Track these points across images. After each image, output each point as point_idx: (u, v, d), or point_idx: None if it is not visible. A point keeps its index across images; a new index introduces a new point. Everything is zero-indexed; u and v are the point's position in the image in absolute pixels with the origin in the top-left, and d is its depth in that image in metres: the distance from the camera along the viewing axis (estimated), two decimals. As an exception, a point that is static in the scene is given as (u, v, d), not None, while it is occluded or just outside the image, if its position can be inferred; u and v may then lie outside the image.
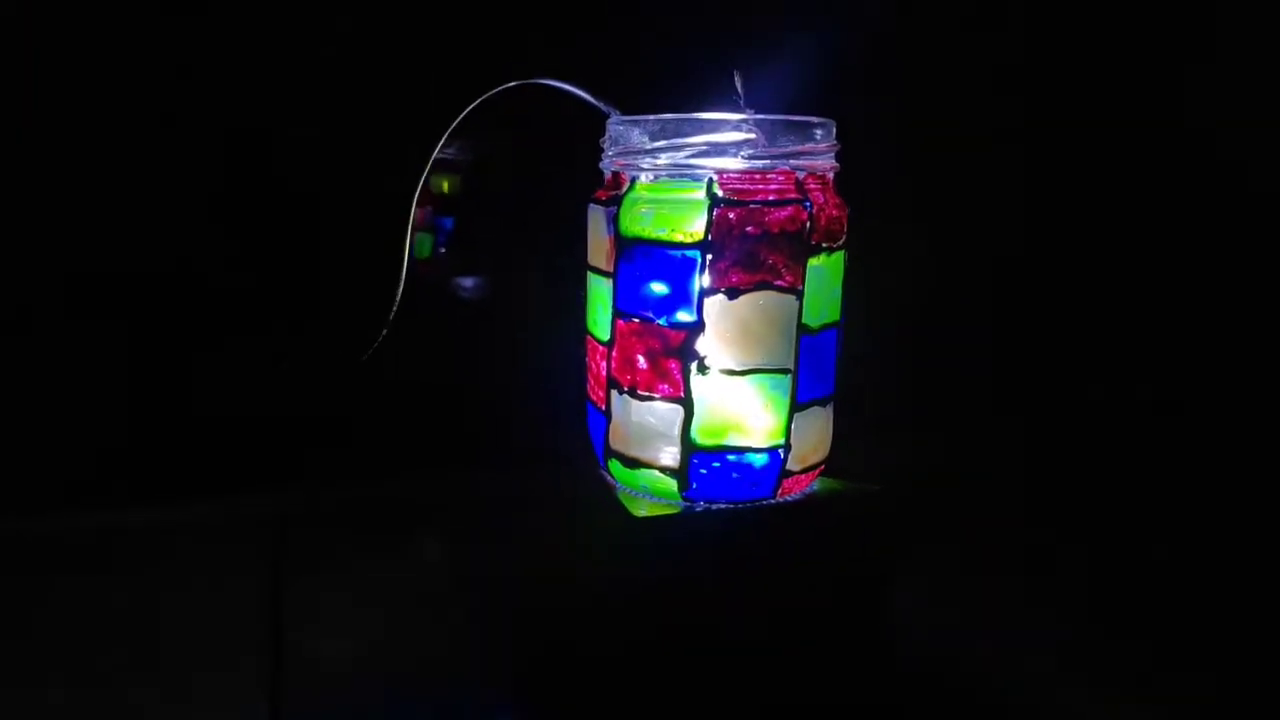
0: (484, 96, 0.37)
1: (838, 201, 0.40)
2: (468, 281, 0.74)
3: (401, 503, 0.64)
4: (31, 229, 0.58)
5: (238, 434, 0.64)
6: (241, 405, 0.64)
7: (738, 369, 0.38)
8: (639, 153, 0.38)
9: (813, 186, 0.38)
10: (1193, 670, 0.47)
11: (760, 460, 0.39)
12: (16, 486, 0.57)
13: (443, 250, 0.87)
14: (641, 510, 0.40)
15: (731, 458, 0.39)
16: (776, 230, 0.37)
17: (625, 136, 0.39)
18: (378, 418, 0.66)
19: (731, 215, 0.37)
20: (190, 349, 0.64)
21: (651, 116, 0.38)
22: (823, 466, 0.42)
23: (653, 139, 0.38)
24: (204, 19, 0.58)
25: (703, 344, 0.38)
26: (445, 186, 0.84)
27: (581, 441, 0.44)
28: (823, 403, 0.41)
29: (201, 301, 0.64)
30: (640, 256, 0.38)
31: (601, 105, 0.40)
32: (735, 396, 0.38)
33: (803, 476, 0.41)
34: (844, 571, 0.42)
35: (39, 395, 0.60)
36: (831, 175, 0.40)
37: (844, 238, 0.40)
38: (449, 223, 0.86)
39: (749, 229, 0.37)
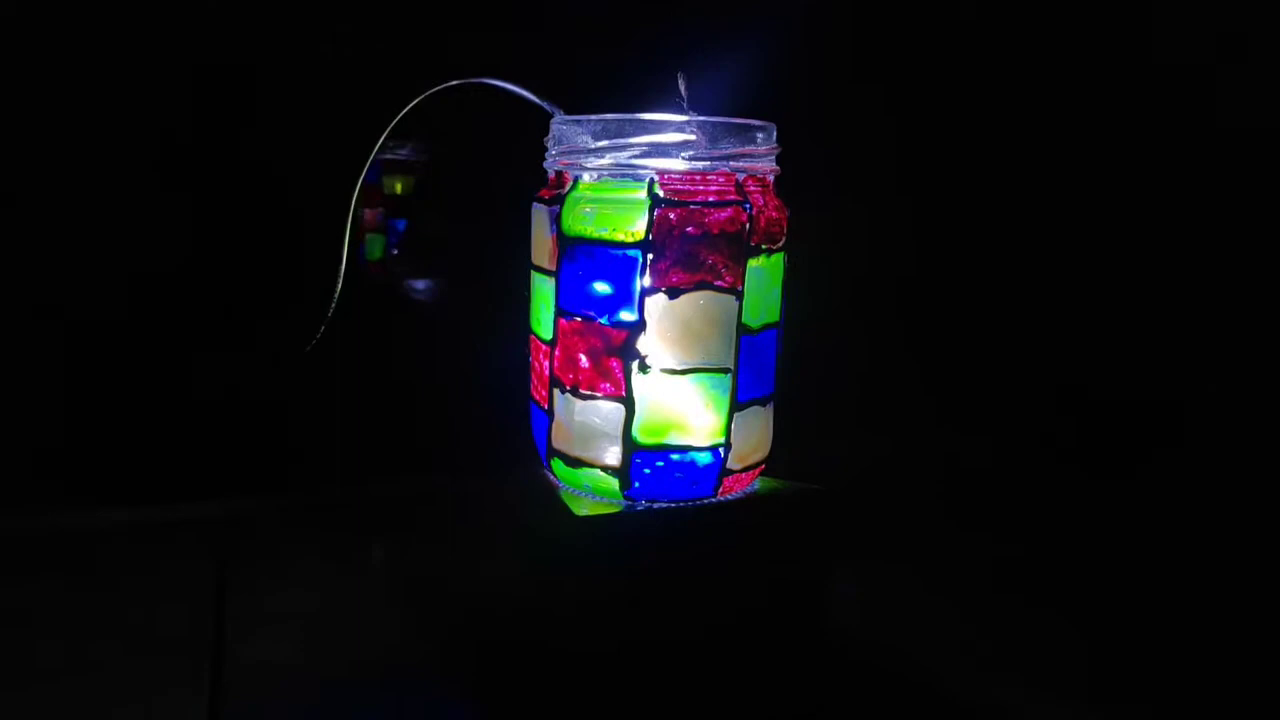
0: (424, 95, 0.37)
1: (778, 204, 0.40)
2: (411, 282, 0.74)
3: (346, 506, 0.63)
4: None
5: (183, 437, 0.63)
6: (187, 409, 0.63)
7: (679, 368, 0.38)
8: (582, 152, 0.38)
9: (753, 188, 0.39)
10: (1120, 668, 0.49)
11: (703, 459, 0.39)
12: None
13: (395, 252, 0.86)
14: (584, 509, 0.40)
15: (675, 457, 0.39)
16: (716, 231, 0.38)
17: (568, 136, 0.39)
18: (321, 421, 0.65)
19: (672, 215, 0.37)
20: (134, 352, 0.64)
21: (594, 117, 0.38)
22: (763, 466, 0.43)
23: (595, 139, 0.38)
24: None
25: (644, 343, 0.38)
26: (398, 188, 0.84)
27: (525, 441, 0.44)
28: (763, 402, 0.41)
29: (147, 303, 0.64)
30: (582, 256, 0.38)
31: (545, 105, 0.40)
32: (676, 395, 0.39)
33: (744, 475, 0.41)
34: (784, 570, 0.43)
35: None
36: (772, 178, 0.40)
37: (784, 239, 0.40)
38: (401, 224, 0.85)
39: (689, 229, 0.37)
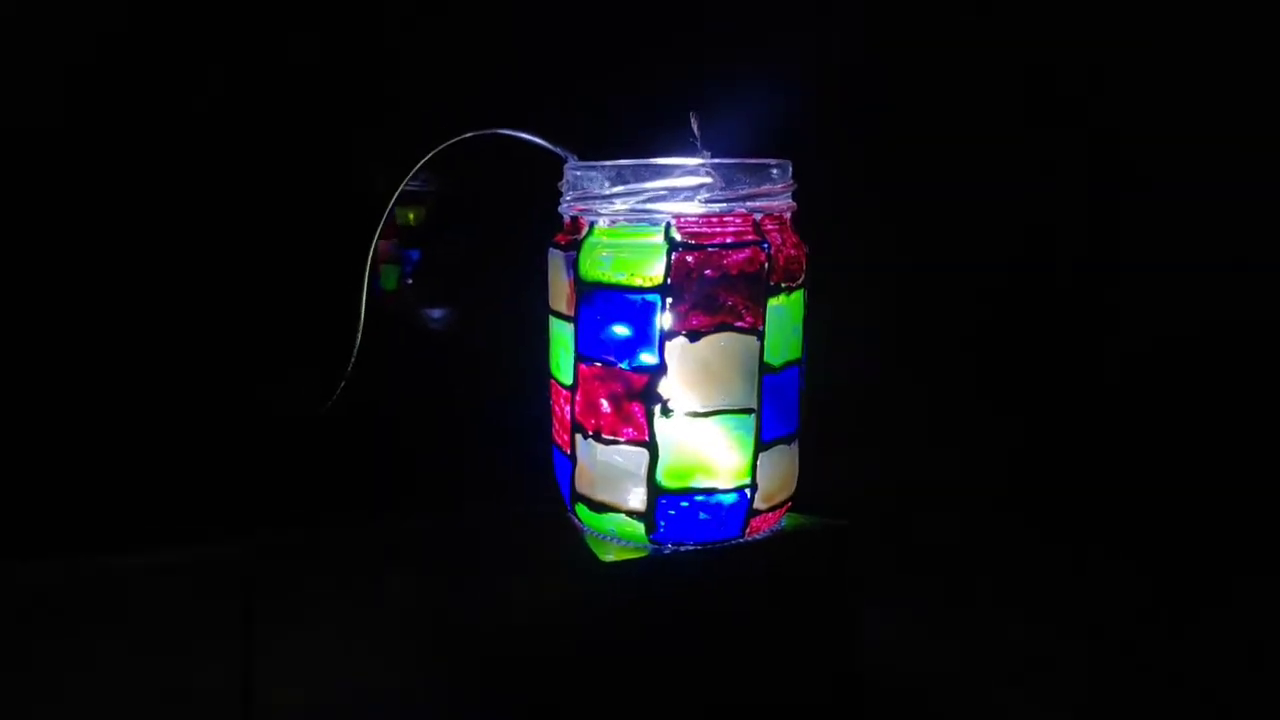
0: (438, 148, 0.37)
1: (795, 241, 0.40)
2: (432, 324, 0.74)
3: (370, 546, 0.63)
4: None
5: (202, 478, 0.63)
6: (205, 450, 0.63)
7: (702, 410, 0.38)
8: (596, 198, 0.38)
9: (770, 227, 0.39)
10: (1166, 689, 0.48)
11: (729, 500, 0.39)
12: None
13: (409, 282, 0.86)
14: (609, 555, 0.39)
15: (700, 499, 0.39)
16: (735, 272, 0.37)
17: (582, 182, 0.39)
18: (342, 460, 0.65)
19: (690, 259, 0.37)
20: (154, 394, 0.64)
21: (608, 162, 0.38)
22: (790, 503, 0.42)
23: (610, 184, 0.38)
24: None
25: (665, 386, 0.38)
26: (410, 218, 0.84)
27: (548, 485, 0.44)
28: (787, 440, 0.41)
29: (166, 346, 0.64)
30: (600, 301, 0.38)
31: (559, 151, 0.40)
32: (700, 438, 0.38)
33: (770, 515, 0.41)
34: (813, 606, 0.42)
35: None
36: (789, 215, 0.40)
37: (802, 276, 0.40)
38: (415, 254, 0.85)
39: (708, 272, 0.37)
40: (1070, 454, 0.76)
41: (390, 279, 0.85)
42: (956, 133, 0.74)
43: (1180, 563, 0.62)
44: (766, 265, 0.38)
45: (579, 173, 0.39)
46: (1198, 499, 0.68)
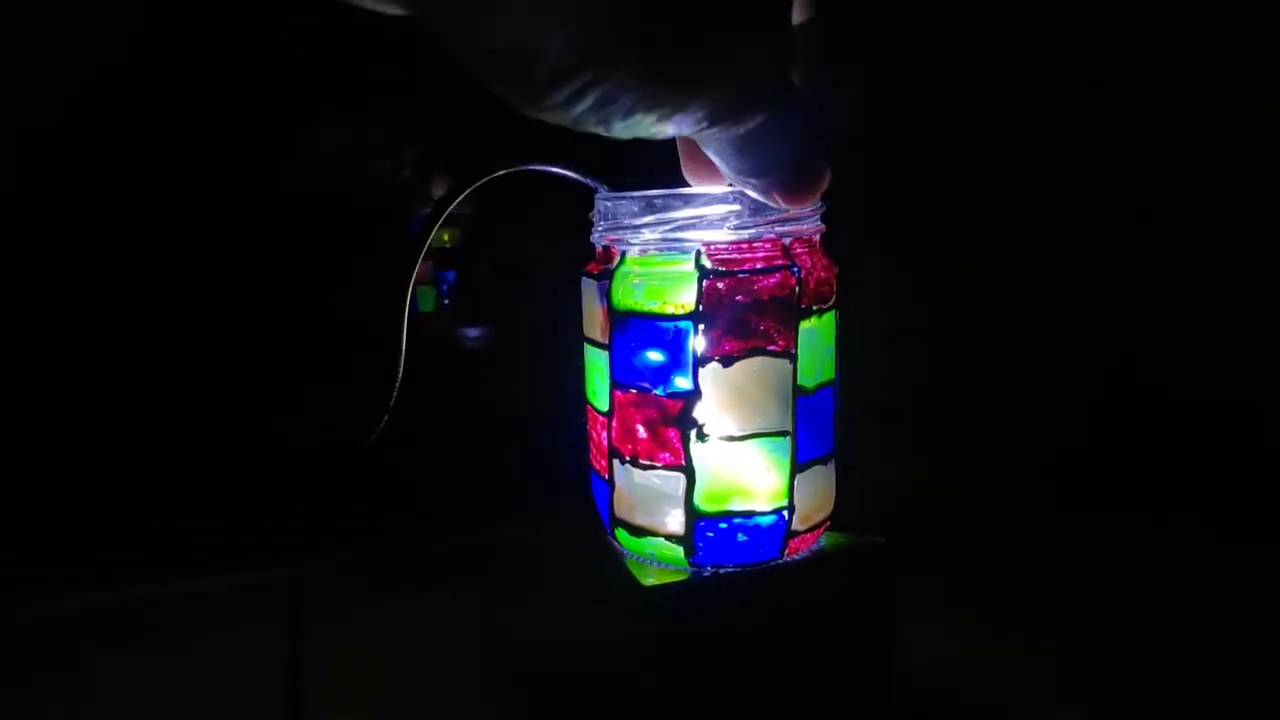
0: (467, 189, 0.38)
1: (825, 263, 0.40)
2: (475, 348, 0.75)
3: (414, 569, 0.64)
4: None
5: (249, 505, 0.65)
6: (250, 478, 0.65)
7: (737, 434, 0.38)
8: (627, 228, 0.39)
9: (799, 250, 0.39)
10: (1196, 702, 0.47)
11: (767, 521, 0.39)
12: (33, 566, 0.58)
13: (446, 302, 0.87)
14: (650, 579, 0.40)
15: (738, 521, 0.39)
16: (766, 298, 0.38)
17: (613, 212, 0.40)
18: (384, 484, 0.67)
19: (721, 285, 0.37)
20: (202, 423, 0.66)
21: (638, 193, 0.39)
22: (828, 523, 0.42)
23: (640, 214, 0.39)
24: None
25: (701, 411, 0.38)
26: (445, 239, 0.85)
27: (588, 509, 0.45)
28: (823, 461, 0.41)
29: (211, 376, 0.66)
30: (633, 329, 0.39)
31: (589, 182, 0.40)
32: (737, 461, 0.39)
33: (808, 535, 0.41)
34: (854, 625, 0.42)
35: (49, 472, 0.62)
36: (818, 237, 0.40)
37: (834, 298, 0.40)
38: (451, 275, 0.86)
39: (739, 298, 0.38)
40: (1113, 462, 0.75)
41: (427, 301, 0.86)
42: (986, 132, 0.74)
43: (1249, 568, 0.60)
44: (797, 289, 0.38)
45: (609, 203, 0.40)
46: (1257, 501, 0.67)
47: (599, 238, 0.41)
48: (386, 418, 0.38)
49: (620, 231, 0.39)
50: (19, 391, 0.63)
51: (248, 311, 0.67)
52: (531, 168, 0.39)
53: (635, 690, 0.40)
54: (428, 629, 0.56)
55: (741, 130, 0.31)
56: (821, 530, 0.42)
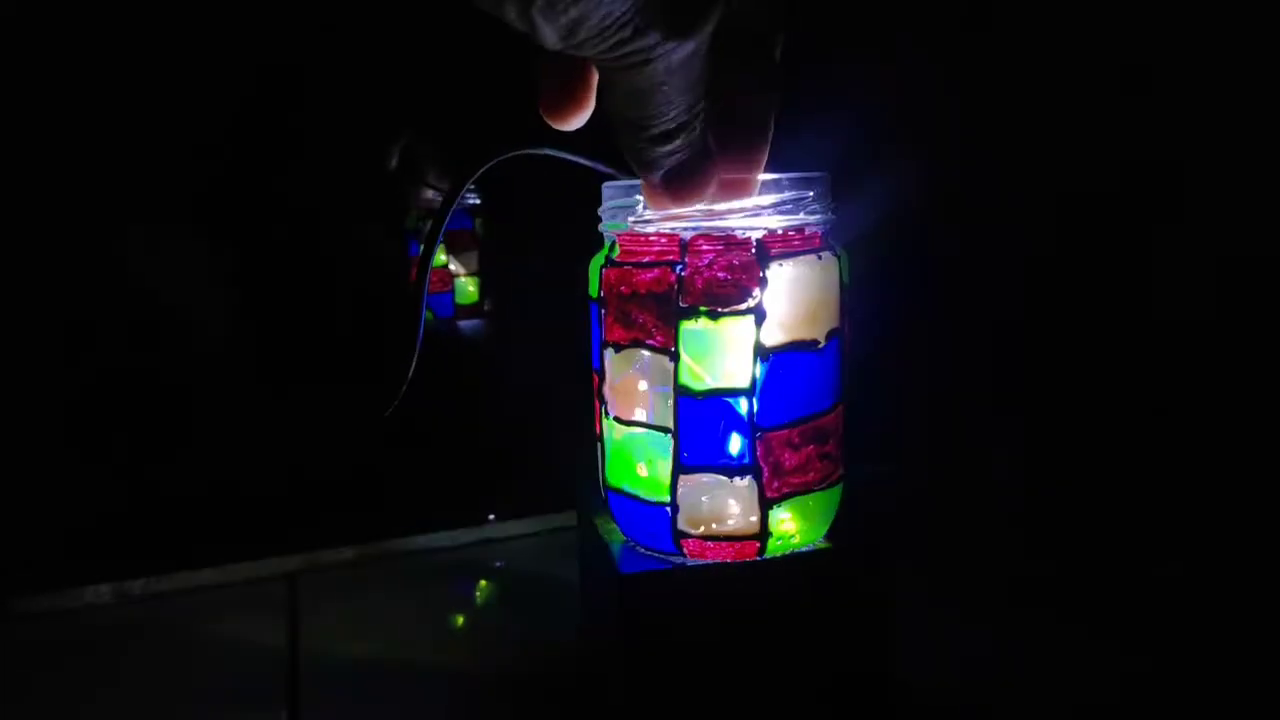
0: (484, 167, 0.40)
1: (743, 264, 0.37)
2: (478, 333, 0.72)
3: (409, 562, 0.63)
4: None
5: (250, 496, 0.63)
6: (253, 468, 0.63)
7: (625, 419, 0.40)
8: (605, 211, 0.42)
9: (704, 247, 0.37)
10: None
11: (651, 512, 0.40)
12: (22, 563, 0.58)
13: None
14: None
15: (630, 501, 0.41)
16: (644, 291, 0.38)
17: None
18: (387, 475, 0.66)
19: (612, 275, 0.39)
20: (196, 412, 0.64)
21: (612, 183, 0.42)
22: (760, 544, 0.39)
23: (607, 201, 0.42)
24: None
25: (606, 390, 0.41)
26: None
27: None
28: (725, 472, 0.38)
29: (213, 363, 0.65)
30: (594, 307, 0.43)
31: (605, 169, 0.41)
32: (626, 445, 0.40)
33: (717, 545, 0.39)
34: (842, 627, 0.41)
35: (41, 470, 0.62)
36: (747, 235, 0.37)
37: (745, 302, 0.37)
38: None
39: (622, 289, 0.39)
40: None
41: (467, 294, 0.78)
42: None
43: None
44: (676, 286, 0.37)
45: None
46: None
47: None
48: (396, 401, 0.40)
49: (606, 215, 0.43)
50: (17, 384, 0.62)
51: (259, 296, 0.66)
52: (546, 151, 0.40)
53: (627, 682, 0.41)
54: (424, 623, 0.55)
55: (680, 52, 0.30)
56: (753, 548, 0.39)
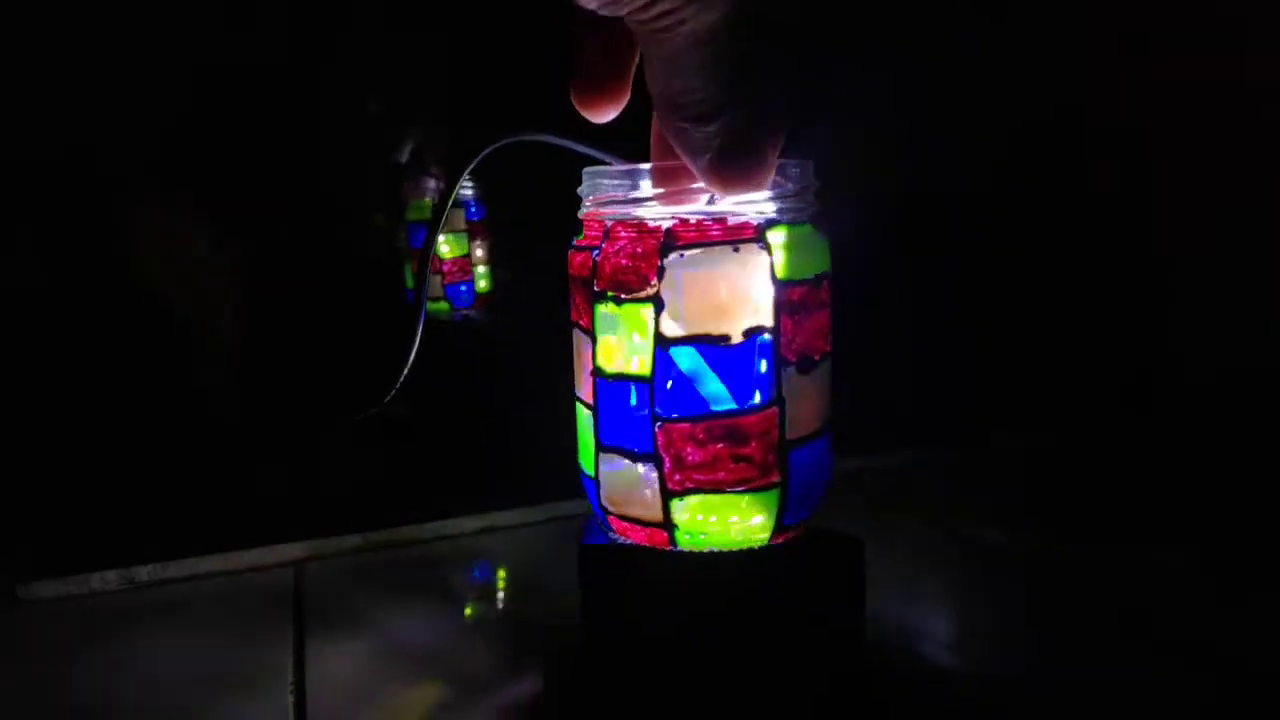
0: (482, 154, 0.42)
1: (643, 253, 0.37)
2: (478, 323, 0.72)
3: (419, 547, 0.62)
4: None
5: (252, 488, 0.63)
6: (253, 460, 0.64)
7: (577, 395, 0.42)
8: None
9: (621, 233, 0.38)
10: None
11: (590, 486, 0.42)
12: (29, 549, 0.58)
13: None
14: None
15: (585, 476, 0.43)
16: (575, 274, 0.40)
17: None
18: (394, 462, 0.66)
19: (568, 257, 0.42)
20: (199, 403, 0.65)
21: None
22: (667, 534, 0.39)
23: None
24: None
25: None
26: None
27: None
28: (631, 457, 0.39)
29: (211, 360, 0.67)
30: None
31: (599, 154, 0.42)
32: (581, 420, 0.42)
33: (633, 527, 0.40)
34: (817, 619, 0.41)
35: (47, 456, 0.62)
36: (656, 224, 0.37)
37: (645, 293, 0.37)
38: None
39: (569, 271, 0.41)
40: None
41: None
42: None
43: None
44: (593, 269, 0.39)
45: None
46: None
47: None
48: (402, 380, 0.43)
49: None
50: (20, 374, 0.63)
51: (256, 290, 0.66)
52: (542, 138, 0.42)
53: (583, 652, 0.43)
54: (430, 611, 0.53)
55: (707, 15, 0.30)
56: (662, 537, 0.40)
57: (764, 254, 0.37)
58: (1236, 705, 0.41)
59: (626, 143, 0.42)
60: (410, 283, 0.72)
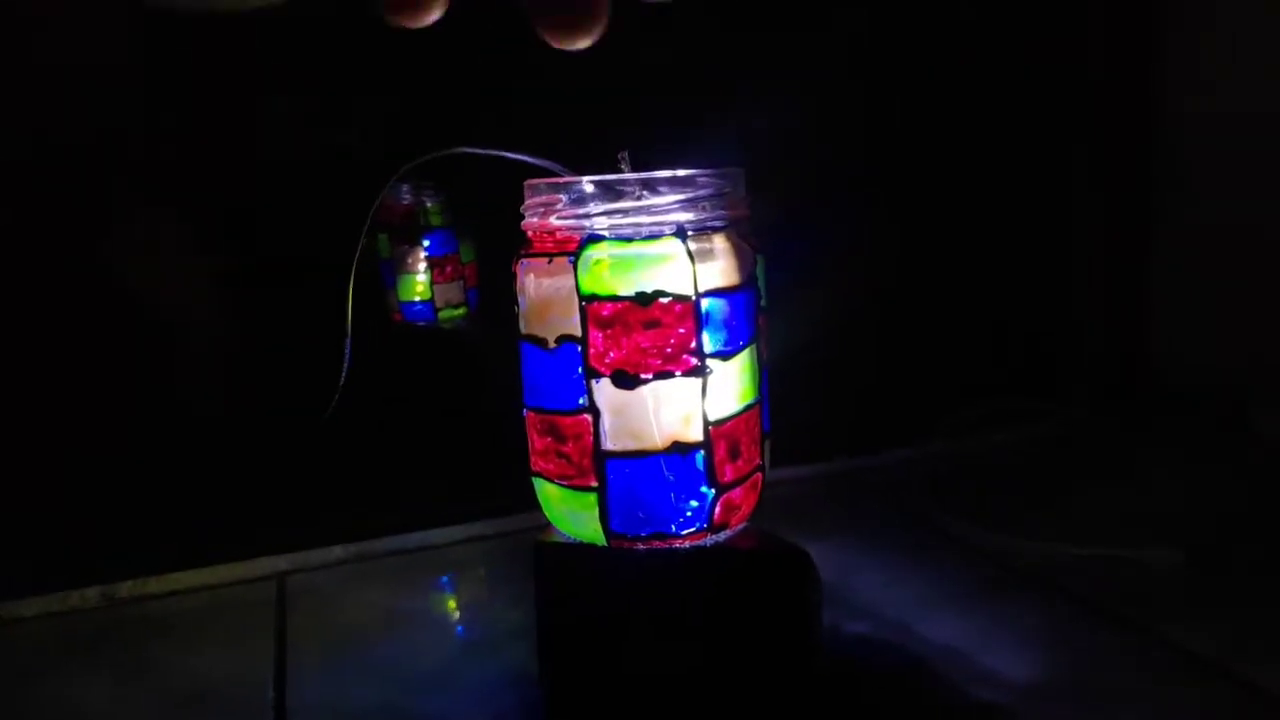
0: (415, 163, 0.39)
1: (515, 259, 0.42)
2: (454, 322, 0.69)
3: (401, 558, 0.61)
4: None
5: (233, 498, 0.62)
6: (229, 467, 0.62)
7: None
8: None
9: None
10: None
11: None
12: (8, 567, 0.56)
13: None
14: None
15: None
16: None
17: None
18: (376, 473, 0.65)
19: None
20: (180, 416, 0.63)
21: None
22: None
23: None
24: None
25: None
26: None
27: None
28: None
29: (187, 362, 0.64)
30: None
31: (549, 165, 0.40)
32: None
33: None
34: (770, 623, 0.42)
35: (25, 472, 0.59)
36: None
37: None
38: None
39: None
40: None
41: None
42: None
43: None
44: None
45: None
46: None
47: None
48: (338, 395, 0.42)
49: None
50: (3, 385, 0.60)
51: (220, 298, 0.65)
52: (476, 150, 0.40)
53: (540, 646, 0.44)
54: (413, 621, 0.52)
55: None
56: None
57: (570, 268, 0.39)
58: (1232, 707, 0.41)
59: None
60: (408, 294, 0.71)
